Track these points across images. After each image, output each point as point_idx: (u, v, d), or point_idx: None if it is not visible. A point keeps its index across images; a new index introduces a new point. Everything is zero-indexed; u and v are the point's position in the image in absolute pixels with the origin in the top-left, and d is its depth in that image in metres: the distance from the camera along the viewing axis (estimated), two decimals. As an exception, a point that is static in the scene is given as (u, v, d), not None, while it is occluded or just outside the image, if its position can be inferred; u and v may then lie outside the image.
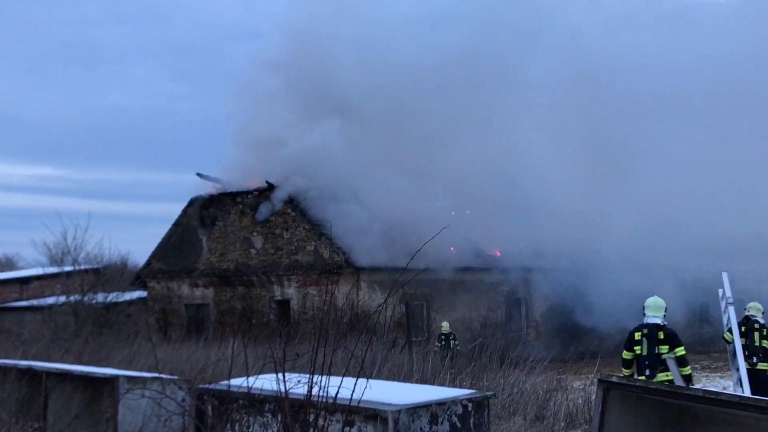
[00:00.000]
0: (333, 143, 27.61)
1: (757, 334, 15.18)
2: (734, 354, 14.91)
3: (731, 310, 14.79)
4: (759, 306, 15.55)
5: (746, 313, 15.48)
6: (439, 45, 29.77)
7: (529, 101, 29.90)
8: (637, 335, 12.67)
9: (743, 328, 15.08)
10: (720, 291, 14.94)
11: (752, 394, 13.71)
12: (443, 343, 22.94)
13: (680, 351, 12.58)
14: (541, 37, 31.37)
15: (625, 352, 12.86)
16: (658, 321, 12.71)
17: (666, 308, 12.96)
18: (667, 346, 12.57)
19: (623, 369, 12.90)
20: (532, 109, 29.84)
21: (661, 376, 12.46)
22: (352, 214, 26.49)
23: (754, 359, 15.03)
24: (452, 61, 29.08)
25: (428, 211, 24.67)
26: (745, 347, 14.97)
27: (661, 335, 12.59)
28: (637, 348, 12.63)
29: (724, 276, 15.01)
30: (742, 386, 14.01)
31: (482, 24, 30.67)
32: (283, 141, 28.56)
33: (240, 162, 29.68)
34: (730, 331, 14.86)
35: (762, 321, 15.36)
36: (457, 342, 23.22)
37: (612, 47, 30.72)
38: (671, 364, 12.52)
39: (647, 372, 12.42)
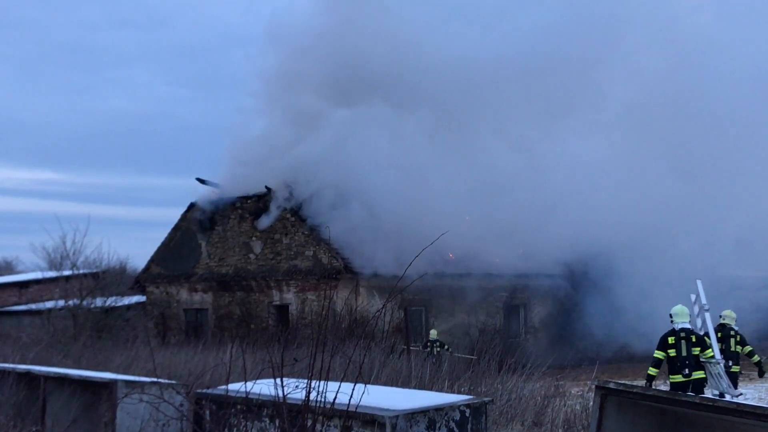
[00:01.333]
0: (349, 137, 26.80)
1: (732, 340, 16.45)
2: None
3: (706, 315, 16.01)
4: (733, 314, 16.79)
5: (721, 321, 16.73)
6: (513, 32, 27.89)
7: (602, 101, 28.52)
8: (671, 339, 14.47)
9: (719, 334, 16.27)
10: (692, 296, 16.04)
11: None
12: (429, 349, 23.17)
13: (709, 353, 14.52)
14: (630, 31, 29.12)
15: (657, 352, 14.59)
16: (688, 326, 14.65)
17: (690, 314, 14.98)
18: (698, 348, 14.43)
19: (651, 368, 14.67)
20: (602, 109, 28.43)
21: (696, 375, 14.36)
22: (351, 218, 26.41)
23: (730, 363, 16.14)
24: (524, 50, 27.39)
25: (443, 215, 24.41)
26: (721, 351, 15.95)
27: (694, 338, 14.50)
28: (671, 351, 14.41)
29: (699, 284, 16.40)
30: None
31: (567, 9, 28.81)
32: (294, 139, 27.74)
33: (241, 167, 29.30)
34: (706, 335, 15.76)
35: (736, 328, 16.65)
36: (445, 348, 23.43)
37: (712, 41, 28.85)
38: (707, 366, 14.46)
39: (686, 371, 14.30)
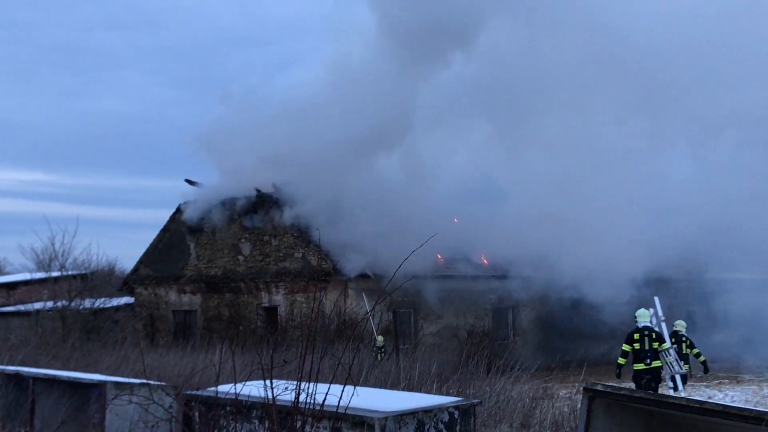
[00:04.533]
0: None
1: (684, 344, 19.78)
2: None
3: (663, 325, 18.63)
4: (683, 323, 20.42)
5: (674, 329, 19.87)
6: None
7: None
8: (636, 335, 17.64)
9: (673, 340, 19.19)
10: (651, 310, 18.56)
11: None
12: (374, 354, 23.27)
13: (665, 345, 17.79)
14: None
15: (624, 345, 17.82)
16: (649, 324, 17.83)
17: (651, 315, 18.18)
18: (657, 343, 17.61)
19: (620, 358, 17.90)
20: None
21: (655, 364, 17.49)
22: (341, 220, 26.33)
23: (681, 362, 18.69)
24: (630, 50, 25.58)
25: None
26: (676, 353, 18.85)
27: (654, 335, 17.67)
28: (636, 344, 17.56)
29: (656, 300, 18.95)
30: (675, 383, 18.21)
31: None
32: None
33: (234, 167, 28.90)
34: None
35: (686, 334, 20.11)
36: (384, 355, 23.60)
37: None
38: (662, 357, 17.63)
39: (648, 360, 17.43)
